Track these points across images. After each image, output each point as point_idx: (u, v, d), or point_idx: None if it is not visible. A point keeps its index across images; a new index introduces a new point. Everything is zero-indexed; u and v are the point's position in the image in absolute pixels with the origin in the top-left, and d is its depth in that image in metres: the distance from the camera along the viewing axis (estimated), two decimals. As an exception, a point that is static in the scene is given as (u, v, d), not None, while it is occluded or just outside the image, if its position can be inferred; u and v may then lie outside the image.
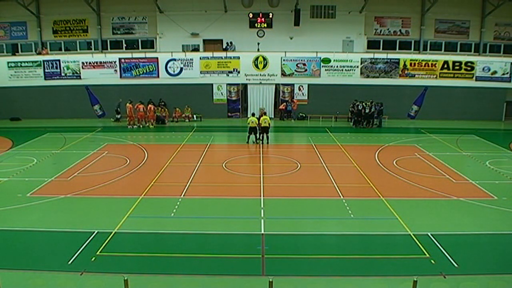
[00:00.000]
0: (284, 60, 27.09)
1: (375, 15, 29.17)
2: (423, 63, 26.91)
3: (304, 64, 27.11)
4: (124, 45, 30.10)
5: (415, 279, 6.86)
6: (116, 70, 27.10)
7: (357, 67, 27.00)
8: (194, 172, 15.69)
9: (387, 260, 9.30)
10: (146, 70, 27.17)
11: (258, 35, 28.84)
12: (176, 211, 11.95)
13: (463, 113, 27.31)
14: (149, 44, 29.96)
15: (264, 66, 27.09)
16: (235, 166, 16.70)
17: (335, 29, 28.87)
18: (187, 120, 26.70)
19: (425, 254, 9.39)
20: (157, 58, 27.18)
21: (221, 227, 10.99)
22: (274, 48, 27.30)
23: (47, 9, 29.31)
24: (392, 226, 11.00)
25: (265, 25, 28.51)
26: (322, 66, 27.09)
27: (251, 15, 28.21)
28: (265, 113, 21.44)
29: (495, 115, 27.55)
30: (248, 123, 20.47)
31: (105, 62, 27.08)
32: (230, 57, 27.14)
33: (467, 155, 18.58)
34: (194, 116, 26.93)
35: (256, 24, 28.56)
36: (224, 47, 28.47)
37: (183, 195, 13.23)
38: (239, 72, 27.15)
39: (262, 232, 10.62)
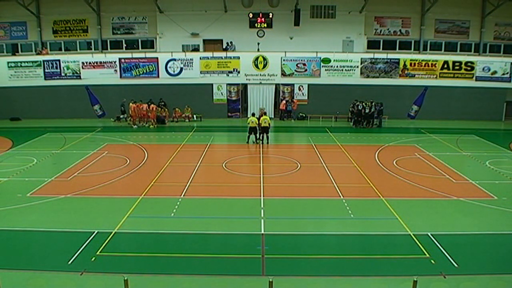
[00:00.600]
0: (284, 60, 27.09)
1: (375, 15, 29.18)
2: (423, 63, 26.91)
3: (304, 64, 27.11)
4: (124, 45, 30.11)
5: (415, 279, 6.86)
6: (116, 70, 27.11)
7: (357, 67, 27.00)
8: (194, 172, 15.69)
9: (387, 260, 9.29)
10: (146, 70, 27.17)
11: (258, 35, 28.85)
12: (176, 211, 11.95)
13: (463, 113, 27.31)
14: (149, 44, 29.96)
15: (264, 66, 27.09)
16: (235, 166, 16.70)
17: (335, 29, 28.88)
18: (187, 120, 26.71)
19: (425, 254, 9.39)
20: (157, 58, 27.18)
21: (221, 227, 10.99)
22: (274, 48, 27.30)
23: (47, 9, 29.32)
24: (392, 226, 11.00)
25: (265, 25, 28.51)
26: (322, 66, 27.10)
27: (251, 15, 28.22)
28: (265, 113, 21.43)
29: (495, 115, 27.56)
30: (248, 123, 20.47)
31: (105, 62, 27.08)
32: (230, 57, 27.15)
33: (467, 155, 18.58)
34: (194, 116, 26.93)
35: (256, 24, 28.57)
36: (224, 47, 28.47)
37: (183, 195, 13.22)
38: (239, 72, 27.15)
39: (262, 232, 10.62)
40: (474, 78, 26.99)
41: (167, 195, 13.30)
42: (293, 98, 27.43)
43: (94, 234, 10.31)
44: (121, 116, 26.14)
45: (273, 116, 27.47)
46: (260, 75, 27.27)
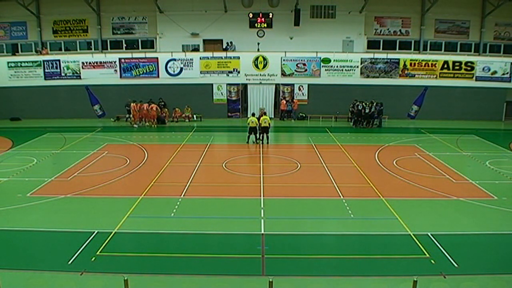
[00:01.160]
0: (284, 60, 27.09)
1: (375, 15, 29.17)
2: (423, 63, 26.91)
3: (304, 64, 27.11)
4: (124, 45, 30.10)
5: (415, 279, 6.87)
6: (116, 70, 27.10)
7: (357, 67, 27.00)
8: (194, 172, 15.69)
9: (387, 260, 9.30)
10: (146, 70, 27.17)
11: (258, 35, 28.84)
12: (176, 211, 11.95)
13: (463, 113, 27.30)
14: (149, 44, 29.96)
15: (264, 66, 27.09)
16: (235, 166, 16.70)
17: (335, 29, 28.87)
18: (187, 120, 26.71)
19: (425, 254, 9.39)
20: (157, 58, 27.17)
21: (221, 227, 10.99)
22: (274, 48, 27.29)
23: (47, 9, 29.31)
24: (392, 226, 11.00)
25: (265, 25, 28.51)
26: (322, 66, 27.09)
27: (251, 15, 28.21)
28: (265, 113, 21.43)
29: (495, 115, 27.55)
30: (248, 123, 20.47)
31: (105, 62, 27.07)
32: (230, 57, 27.14)
33: (467, 155, 18.58)
34: (194, 116, 26.93)
35: (256, 24, 28.57)
36: (224, 47, 28.47)
37: (183, 195, 13.22)
38: (239, 72, 27.14)
39: (262, 232, 10.62)
40: (474, 78, 26.99)
41: (167, 195, 13.30)
42: (293, 98, 27.43)
43: (94, 234, 10.30)
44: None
45: (273, 116, 27.48)
46: (260, 75, 27.27)
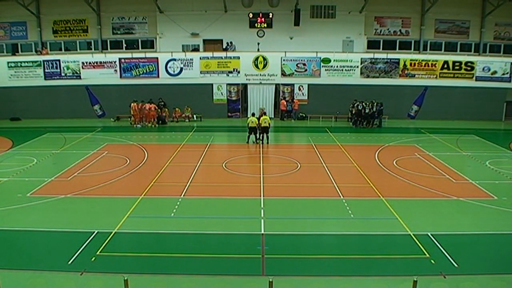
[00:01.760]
0: (284, 60, 27.09)
1: (375, 15, 29.17)
2: (423, 63, 26.91)
3: (304, 64, 27.11)
4: (124, 45, 30.10)
5: (415, 279, 6.87)
6: (116, 70, 27.10)
7: (357, 67, 27.00)
8: (194, 172, 15.69)
9: (387, 260, 9.30)
10: (146, 70, 27.17)
11: (258, 35, 28.84)
12: (176, 211, 11.95)
13: (463, 113, 27.29)
14: (149, 44, 29.96)
15: (264, 66, 27.09)
16: (235, 166, 16.70)
17: (335, 29, 28.87)
18: (187, 120, 26.71)
19: (425, 254, 9.39)
20: (157, 58, 27.17)
21: (221, 227, 10.99)
22: (274, 48, 27.30)
23: (47, 9, 29.31)
24: (392, 226, 11.00)
25: (265, 25, 28.50)
26: (322, 66, 27.09)
27: (251, 15, 28.21)
28: (264, 113, 21.42)
29: (495, 115, 27.54)
30: (248, 123, 20.47)
31: (105, 62, 27.07)
32: (230, 57, 27.14)
33: (467, 155, 18.58)
34: (194, 116, 26.93)
35: (256, 24, 28.56)
36: (224, 47, 28.47)
37: (183, 195, 13.22)
38: (239, 72, 27.14)
39: (262, 232, 10.62)
40: (474, 78, 26.98)
41: (167, 195, 13.30)
42: (294, 98, 27.42)
43: (94, 234, 10.31)
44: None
45: (273, 116, 27.48)
46: (260, 75, 27.27)
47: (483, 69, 26.81)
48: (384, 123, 25.53)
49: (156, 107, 25.50)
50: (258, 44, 27.74)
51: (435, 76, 26.98)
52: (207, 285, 8.26)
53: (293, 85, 27.45)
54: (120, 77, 27.17)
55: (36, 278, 8.45)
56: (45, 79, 27.15)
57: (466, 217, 11.67)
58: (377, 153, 18.68)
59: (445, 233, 10.50)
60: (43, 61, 27.08)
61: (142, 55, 27.40)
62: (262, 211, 11.99)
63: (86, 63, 27.00)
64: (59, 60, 27.04)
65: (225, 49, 28.00)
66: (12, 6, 28.14)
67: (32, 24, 29.55)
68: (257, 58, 27.03)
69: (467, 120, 26.80)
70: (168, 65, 27.06)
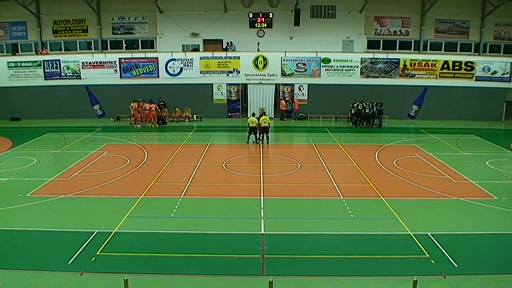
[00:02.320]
0: (284, 60, 27.09)
1: (375, 15, 29.18)
2: (423, 63, 26.90)
3: (304, 64, 27.11)
4: (124, 45, 30.11)
5: (415, 279, 6.87)
6: (116, 70, 27.10)
7: (357, 67, 26.99)
8: (194, 172, 15.69)
9: (387, 260, 9.29)
10: (146, 70, 27.16)
11: (258, 35, 28.84)
12: (176, 211, 11.95)
13: (463, 113, 27.29)
14: (149, 44, 29.96)
15: (264, 66, 27.09)
16: (235, 166, 16.70)
17: (335, 29, 28.87)
18: (187, 120, 26.71)
19: (425, 254, 9.39)
20: (157, 58, 27.17)
21: (221, 227, 10.99)
22: (274, 48, 27.29)
23: (47, 9, 29.31)
24: (392, 226, 11.00)
25: (265, 25, 28.50)
26: (322, 66, 27.09)
27: (251, 15, 28.21)
28: (264, 113, 21.42)
29: (495, 115, 27.54)
30: (248, 123, 20.47)
31: (105, 62, 27.07)
32: (230, 57, 27.14)
33: (467, 155, 18.58)
34: (194, 116, 26.93)
35: (256, 24, 28.56)
36: (224, 47, 28.47)
37: (183, 195, 13.22)
38: (239, 72, 27.14)
39: (262, 232, 10.62)
40: (474, 78, 26.98)
41: (167, 195, 13.30)
42: (294, 98, 27.42)
43: (94, 234, 10.30)
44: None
45: (273, 116, 27.48)
46: (260, 75, 27.27)
47: (483, 69, 26.80)
48: (384, 123, 25.53)
49: (157, 107, 25.50)
50: (258, 44, 27.74)
51: (435, 76, 26.98)
52: (207, 285, 8.26)
53: (293, 85, 27.45)
54: (120, 77, 27.17)
55: (36, 278, 8.45)
56: (45, 79, 27.14)
57: (466, 217, 11.67)
58: (377, 153, 18.68)
59: (445, 233, 10.50)
60: (43, 61, 27.08)
61: (142, 55, 27.40)
62: (262, 211, 11.99)
63: (86, 63, 27.00)
64: (59, 60, 27.04)
65: (225, 49, 28.00)
66: (12, 6, 28.14)
67: (32, 24, 29.56)
68: (257, 58, 27.03)
69: (467, 120, 26.80)
70: (168, 65, 27.06)
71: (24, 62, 27.19)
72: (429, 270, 8.75)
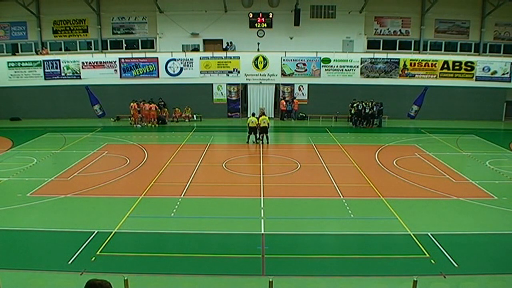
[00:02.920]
0: (284, 60, 27.08)
1: (375, 15, 29.17)
2: (423, 63, 26.91)
3: (304, 64, 27.11)
4: (124, 45, 30.10)
5: (415, 279, 6.87)
6: (116, 70, 27.10)
7: (357, 67, 26.99)
8: (194, 172, 15.69)
9: (387, 260, 9.29)
10: (146, 70, 27.17)
11: (258, 35, 28.84)
12: (176, 211, 11.95)
13: (463, 113, 27.29)
14: (149, 44, 29.96)
15: (264, 66, 27.09)
16: (235, 166, 16.70)
17: (335, 29, 28.87)
18: (187, 120, 26.71)
19: (425, 254, 9.39)
20: (157, 58, 27.17)
21: (221, 227, 10.99)
22: (274, 48, 27.29)
23: (47, 9, 29.30)
24: (392, 226, 10.99)
25: (265, 25, 28.48)
26: (322, 66, 27.09)
27: (251, 15, 28.20)
28: (263, 113, 21.43)
29: (495, 115, 27.55)
30: (248, 123, 20.47)
31: (105, 62, 27.07)
32: (230, 57, 27.14)
33: (467, 155, 18.58)
34: (194, 116, 26.93)
35: (256, 24, 28.55)
36: (224, 47, 28.46)
37: (183, 195, 13.22)
38: (239, 72, 27.14)
39: (262, 232, 10.61)
40: (474, 78, 26.98)
41: (167, 195, 13.30)
42: (294, 98, 27.42)
43: (94, 234, 10.30)
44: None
45: (273, 116, 27.48)
46: (260, 75, 27.27)
47: (483, 69, 26.80)
48: (384, 123, 25.53)
49: (157, 107, 25.50)
50: (258, 44, 27.73)
51: (435, 76, 26.98)
52: (207, 285, 8.27)
53: (293, 85, 27.46)
54: (120, 77, 27.17)
55: (36, 278, 8.45)
56: (45, 79, 27.14)
57: (466, 217, 11.66)
58: (377, 153, 18.68)
59: (445, 233, 10.50)
60: (43, 61, 27.08)
61: (142, 55, 27.40)
62: (262, 211, 11.99)
63: (86, 63, 27.00)
64: (59, 60, 27.04)
65: (225, 49, 28.00)
66: (12, 6, 28.12)
67: (32, 24, 29.55)
68: (257, 58, 27.02)
69: (467, 120, 26.79)
70: (168, 65, 27.06)
71: (24, 62, 27.18)
72: (429, 270, 8.74)
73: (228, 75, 27.23)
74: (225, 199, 13.08)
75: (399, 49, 29.51)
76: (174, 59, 27.00)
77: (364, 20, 29.00)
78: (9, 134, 22.47)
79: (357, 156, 18.07)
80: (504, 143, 20.89)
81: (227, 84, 27.36)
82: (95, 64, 27.03)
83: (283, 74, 27.27)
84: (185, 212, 11.94)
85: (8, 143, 20.29)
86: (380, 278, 8.54)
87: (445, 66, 26.83)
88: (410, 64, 26.95)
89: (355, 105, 25.27)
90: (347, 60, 26.97)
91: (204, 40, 29.33)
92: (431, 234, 10.31)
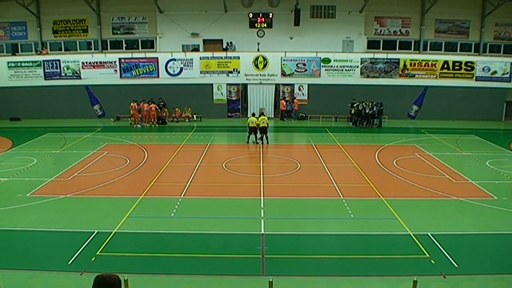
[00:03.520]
0: (284, 60, 27.09)
1: (375, 15, 29.17)
2: (423, 63, 26.91)
3: (304, 64, 27.11)
4: (124, 45, 30.10)
5: (415, 279, 6.87)
6: (116, 70, 27.10)
7: (357, 67, 27.00)
8: (194, 172, 15.69)
9: (387, 260, 9.29)
10: (146, 70, 27.17)
11: (258, 35, 28.84)
12: (176, 211, 11.95)
13: (463, 113, 27.28)
14: (149, 44, 29.96)
15: (264, 66, 27.09)
16: (235, 166, 16.70)
17: (335, 29, 28.87)
18: (187, 120, 26.71)
19: (425, 254, 9.39)
20: (157, 58, 27.17)
21: (221, 227, 10.98)
22: (274, 48, 27.30)
23: (47, 9, 29.31)
24: (392, 226, 10.99)
25: (265, 25, 28.49)
26: (322, 66, 27.09)
27: (251, 15, 28.20)
28: (263, 113, 21.42)
29: (495, 115, 27.55)
30: (248, 123, 20.47)
31: (105, 62, 27.07)
32: (230, 57, 27.14)
33: (467, 155, 18.58)
34: (194, 116, 26.93)
35: (256, 24, 28.55)
36: (224, 47, 28.46)
37: (183, 195, 13.22)
38: (239, 72, 27.14)
39: (262, 232, 10.61)
40: (474, 78, 26.98)
41: (167, 195, 13.30)
42: (294, 98, 27.42)
43: (94, 234, 10.30)
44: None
45: (273, 116, 27.48)
46: (260, 75, 27.27)
47: (483, 69, 26.81)
48: (384, 123, 25.53)
49: (157, 107, 25.50)
50: (258, 44, 27.73)
51: (435, 76, 26.98)
52: (207, 285, 8.27)
53: (293, 85, 27.46)
54: (120, 77, 27.17)
55: (36, 278, 8.45)
56: (45, 79, 27.14)
57: (466, 217, 11.66)
58: (377, 153, 18.68)
59: (445, 233, 10.49)
60: (43, 61, 27.08)
61: (142, 55, 27.41)
62: (262, 211, 11.99)
63: (86, 63, 27.00)
64: (59, 60, 27.04)
65: (225, 49, 28.00)
66: (12, 6, 28.12)
67: (32, 24, 29.55)
68: (257, 58, 27.03)
69: (467, 120, 26.79)
70: (168, 65, 27.06)
71: (24, 62, 27.19)
72: (429, 270, 8.74)
73: (228, 75, 27.23)
74: (225, 199, 13.08)
75: (399, 49, 29.52)
76: (174, 59, 27.00)
77: (364, 20, 29.00)
78: (9, 134, 22.47)
79: (357, 156, 18.07)
80: (504, 143, 20.89)
81: (227, 84, 27.36)
82: (95, 64, 27.03)
83: (283, 74, 27.27)
84: (185, 212, 11.94)
85: (8, 143, 20.29)
86: (380, 278, 8.54)
87: (445, 66, 26.83)
88: (410, 64, 26.95)
89: (355, 105, 25.28)
90: (347, 60, 26.98)
91: (204, 40, 29.34)
92: (431, 234, 10.31)
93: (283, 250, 9.72)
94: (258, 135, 20.47)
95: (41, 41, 29.73)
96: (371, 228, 10.96)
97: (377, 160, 17.47)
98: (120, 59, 27.10)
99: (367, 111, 24.86)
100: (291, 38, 28.99)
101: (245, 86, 27.66)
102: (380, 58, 27.07)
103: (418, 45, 29.63)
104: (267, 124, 20.56)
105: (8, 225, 10.97)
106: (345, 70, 27.07)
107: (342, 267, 9.03)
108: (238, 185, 14.63)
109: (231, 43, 28.27)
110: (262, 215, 11.68)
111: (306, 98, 27.58)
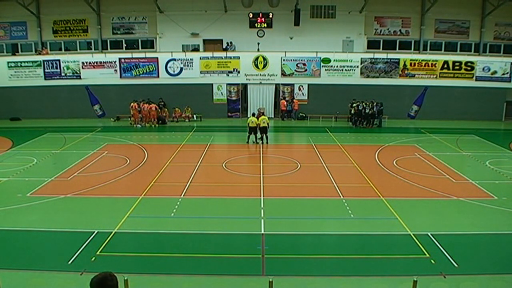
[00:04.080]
0: (284, 60, 27.09)
1: (375, 15, 29.17)
2: (423, 63, 26.91)
3: (304, 64, 27.11)
4: (124, 45, 30.10)
5: (415, 279, 6.87)
6: (116, 70, 27.10)
7: (357, 67, 27.00)
8: (194, 172, 15.69)
9: (387, 260, 9.29)
10: (146, 70, 27.17)
11: (258, 35, 28.84)
12: (176, 211, 11.95)
13: (463, 113, 27.28)
14: (149, 44, 29.96)
15: (264, 66, 27.09)
16: (235, 166, 16.70)
17: (335, 29, 28.87)
18: (187, 120, 26.71)
19: (425, 254, 9.39)
20: (157, 58, 27.18)
21: (221, 227, 10.98)
22: (274, 48, 27.30)
23: (47, 9, 29.31)
24: (392, 226, 10.99)
25: (265, 25, 28.50)
26: (322, 66, 27.09)
27: (251, 15, 28.20)
28: (263, 113, 21.41)
29: (495, 115, 27.55)
30: (248, 123, 20.47)
31: (105, 62, 27.07)
32: (230, 57, 27.14)
33: (467, 155, 18.58)
34: (194, 116, 26.93)
35: (256, 24, 28.56)
36: (224, 47, 28.47)
37: (183, 195, 13.22)
38: (239, 72, 27.15)
39: (262, 232, 10.61)
40: (474, 78, 26.98)
41: (167, 195, 13.30)
42: (294, 98, 27.42)
43: (94, 234, 10.30)
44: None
45: (273, 116, 27.48)
46: (260, 75, 27.27)
47: (483, 69, 26.81)
48: (384, 123, 25.53)
49: (157, 107, 25.50)
50: (258, 44, 27.74)
51: (435, 76, 26.98)
52: (207, 285, 8.26)
53: (293, 85, 27.46)
54: (120, 77, 27.18)
55: (36, 278, 8.45)
56: (45, 79, 27.15)
57: (466, 217, 11.66)
58: (377, 153, 18.68)
59: (445, 233, 10.50)
60: (43, 61, 27.08)
61: (142, 55, 27.41)
62: (262, 211, 11.99)
63: (86, 63, 27.00)
64: (59, 60, 27.04)
65: (225, 49, 28.00)
66: (12, 6, 28.13)
67: (32, 24, 29.55)
68: (257, 58, 27.03)
69: (467, 120, 26.79)
70: (168, 65, 27.06)
71: (24, 62, 27.19)
72: (429, 270, 8.74)
73: (228, 75, 27.23)
74: (225, 199, 13.08)
75: (399, 49, 29.52)
76: (174, 59, 27.01)
77: (364, 20, 29.00)
78: (9, 134, 22.47)
79: (357, 156, 18.07)
80: (504, 143, 20.89)
81: (227, 84, 27.36)
82: (95, 64, 27.03)
83: (283, 74, 27.28)
84: (185, 212, 11.94)
85: (8, 143, 20.29)
86: (380, 278, 8.54)
87: (445, 66, 26.83)
88: (410, 64, 26.95)
89: (355, 105, 25.28)
90: (347, 60, 26.98)
91: (204, 40, 29.34)
92: (431, 234, 10.31)
93: (283, 250, 9.72)
94: (258, 135, 20.48)
95: (41, 41, 29.74)
96: (371, 228, 10.96)
97: (377, 160, 17.47)
98: (120, 59, 27.10)
99: (367, 111, 24.86)
100: (291, 38, 28.99)
101: (245, 86, 27.67)
102: (380, 58, 27.08)
103: (418, 45, 29.63)
104: (268, 124, 20.56)
105: (8, 225, 10.97)
106: (345, 70, 27.07)
107: (342, 267, 9.03)
108: (238, 185, 14.63)
109: (231, 43, 28.27)
110: (262, 215, 11.68)
111: (306, 98, 27.58)
